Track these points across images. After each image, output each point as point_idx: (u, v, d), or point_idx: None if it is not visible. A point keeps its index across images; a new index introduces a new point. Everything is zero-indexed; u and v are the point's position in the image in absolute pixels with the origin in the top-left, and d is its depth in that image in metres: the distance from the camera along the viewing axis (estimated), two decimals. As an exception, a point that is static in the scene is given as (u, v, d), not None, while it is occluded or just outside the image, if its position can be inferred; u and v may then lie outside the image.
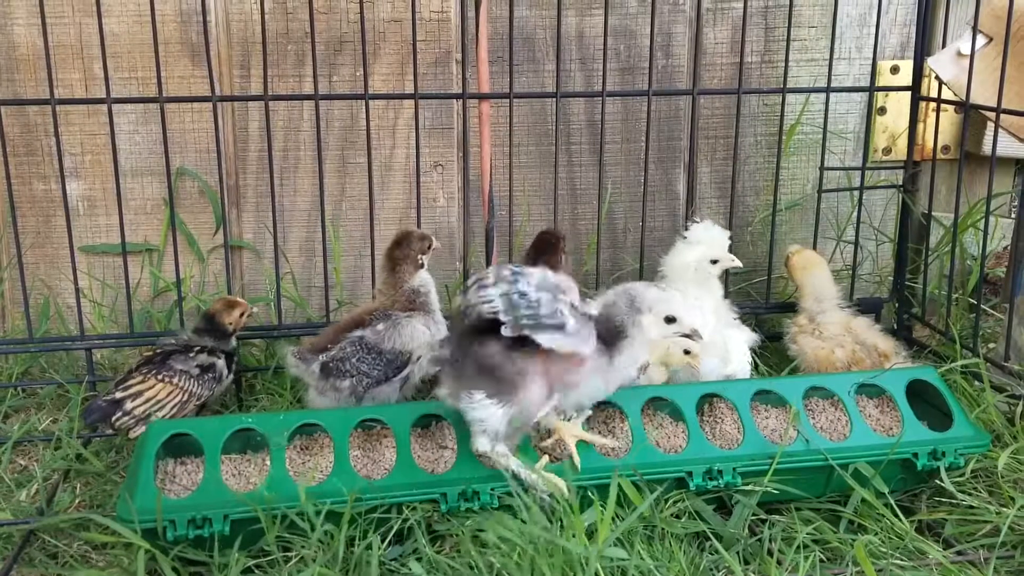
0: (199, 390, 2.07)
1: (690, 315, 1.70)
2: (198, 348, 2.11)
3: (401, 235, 2.18)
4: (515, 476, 1.68)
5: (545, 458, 1.76)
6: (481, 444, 1.69)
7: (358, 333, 2.07)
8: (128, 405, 1.98)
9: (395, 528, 1.68)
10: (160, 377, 2.03)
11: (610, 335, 1.70)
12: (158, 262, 2.56)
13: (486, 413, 1.67)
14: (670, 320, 1.70)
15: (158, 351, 2.10)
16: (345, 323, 2.12)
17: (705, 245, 2.23)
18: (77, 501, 1.91)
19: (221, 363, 2.14)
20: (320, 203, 2.31)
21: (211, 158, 2.50)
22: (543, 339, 1.61)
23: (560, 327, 1.61)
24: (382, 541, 1.65)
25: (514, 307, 1.60)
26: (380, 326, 2.08)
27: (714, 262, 2.24)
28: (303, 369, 2.05)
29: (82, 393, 2.24)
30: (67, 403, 2.27)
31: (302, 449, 1.92)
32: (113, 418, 1.97)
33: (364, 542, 1.63)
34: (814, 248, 2.51)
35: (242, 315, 2.21)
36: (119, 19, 2.43)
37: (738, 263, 2.24)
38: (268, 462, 1.77)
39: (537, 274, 1.66)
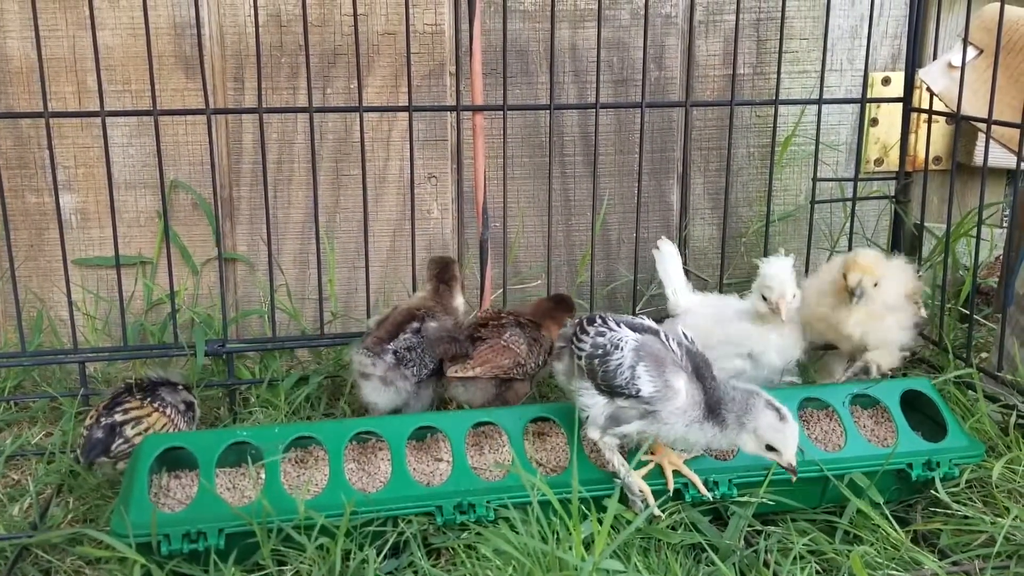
0: (183, 426, 2.01)
1: (791, 450, 1.69)
2: (181, 385, 2.06)
3: (449, 260, 2.26)
4: (614, 472, 1.75)
5: (648, 467, 1.79)
6: (591, 431, 1.75)
7: (415, 325, 2.12)
8: (128, 432, 1.89)
9: (391, 541, 1.68)
10: (156, 406, 1.96)
11: (715, 415, 1.71)
12: (152, 275, 2.55)
13: (591, 401, 1.74)
14: (771, 448, 1.70)
15: (140, 380, 2.02)
16: (397, 319, 2.14)
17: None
18: (70, 516, 1.89)
19: (195, 403, 2.10)
20: (314, 215, 2.31)
21: (205, 170, 2.50)
22: (620, 402, 1.72)
23: (634, 395, 1.69)
24: (378, 555, 1.64)
25: (592, 372, 1.73)
26: (434, 323, 2.12)
27: None
28: (373, 361, 2.08)
29: (75, 407, 2.23)
30: (60, 416, 2.26)
31: (297, 462, 1.92)
32: (113, 446, 1.87)
33: (360, 555, 1.62)
34: (807, 259, 2.52)
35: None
36: (113, 32, 2.43)
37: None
38: (263, 475, 1.77)
39: (636, 341, 1.73)
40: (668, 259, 2.30)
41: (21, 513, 1.91)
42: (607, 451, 1.76)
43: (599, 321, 1.78)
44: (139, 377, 2.05)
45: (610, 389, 1.71)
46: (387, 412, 2.11)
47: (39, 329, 2.50)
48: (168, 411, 1.98)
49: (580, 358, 1.76)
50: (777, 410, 1.68)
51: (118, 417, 1.91)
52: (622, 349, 1.72)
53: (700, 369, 1.73)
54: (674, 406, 1.69)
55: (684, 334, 1.79)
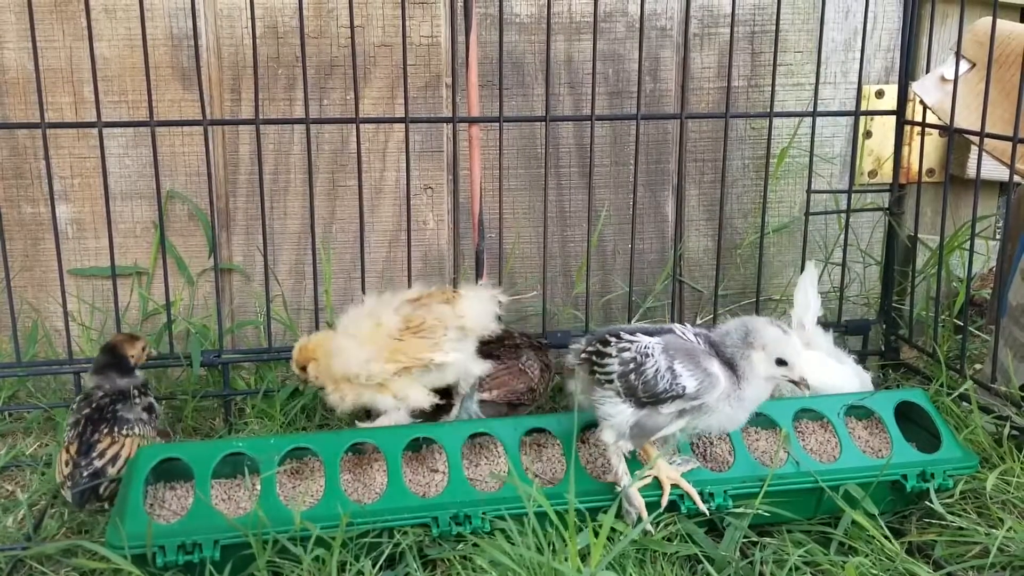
0: (151, 432, 1.99)
1: (802, 361, 1.69)
2: (135, 391, 2.02)
3: None
4: (614, 481, 1.74)
5: (645, 480, 1.77)
6: (607, 435, 1.74)
7: None
8: (111, 471, 1.86)
9: (386, 553, 1.67)
10: (125, 432, 1.92)
11: (731, 366, 1.71)
12: (147, 285, 2.55)
13: (615, 410, 1.72)
14: (781, 363, 1.69)
15: (90, 405, 1.95)
16: None
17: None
18: (65, 527, 1.89)
19: (152, 399, 2.06)
20: (311, 226, 2.31)
21: (201, 181, 2.50)
22: (663, 408, 1.69)
23: (679, 396, 1.67)
24: (373, 566, 1.64)
25: (631, 389, 1.70)
26: None
27: None
28: None
29: (70, 418, 2.22)
30: (55, 427, 2.26)
31: (293, 473, 1.91)
32: (101, 489, 1.84)
33: (355, 567, 1.63)
34: (801, 270, 2.53)
35: (144, 349, 2.13)
36: (110, 43, 2.43)
37: None
38: (258, 486, 1.77)
39: (660, 342, 1.71)
40: (809, 283, 2.27)
41: (15, 524, 1.90)
42: (614, 457, 1.74)
43: (615, 338, 1.75)
44: (86, 392, 1.99)
45: (654, 398, 1.68)
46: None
47: (34, 339, 2.50)
48: (136, 430, 1.95)
49: (610, 380, 1.71)
50: (779, 326, 1.69)
51: (97, 463, 1.85)
52: (652, 354, 1.69)
53: (716, 346, 1.72)
54: (718, 392, 1.67)
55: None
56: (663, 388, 1.67)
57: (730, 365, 1.70)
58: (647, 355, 1.69)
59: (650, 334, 1.74)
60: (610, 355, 1.72)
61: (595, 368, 1.74)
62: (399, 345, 1.93)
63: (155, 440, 2.00)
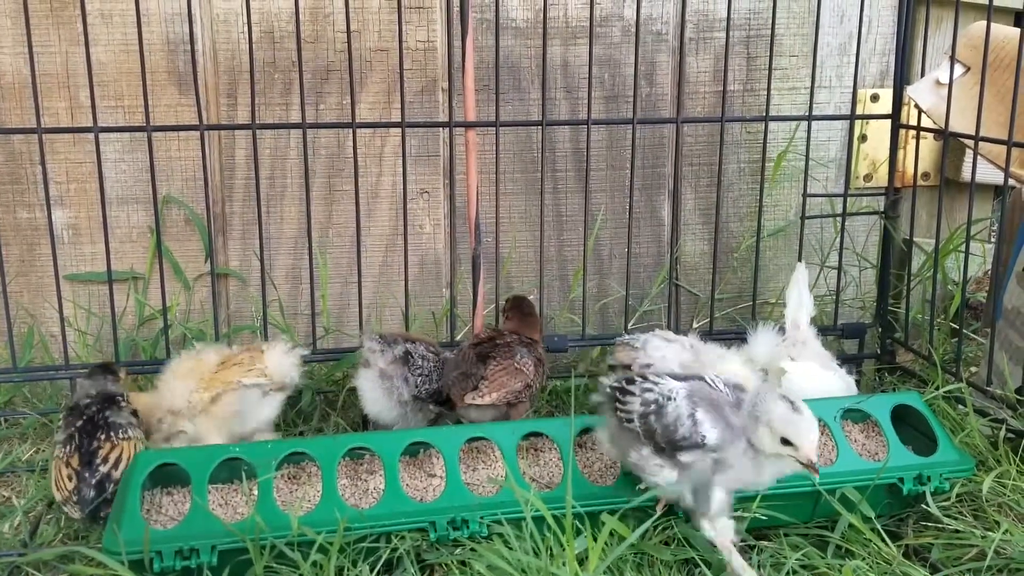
0: (142, 435, 1.98)
1: (810, 444, 1.59)
2: (117, 395, 2.01)
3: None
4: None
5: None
6: (702, 522, 1.67)
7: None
8: (115, 475, 1.84)
9: (384, 557, 1.67)
10: (120, 436, 1.91)
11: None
12: (143, 290, 2.55)
13: (660, 476, 1.66)
14: (786, 442, 1.60)
15: (81, 416, 1.94)
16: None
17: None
18: (61, 533, 1.88)
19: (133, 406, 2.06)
20: (307, 230, 2.31)
21: (197, 186, 2.50)
22: (682, 457, 1.63)
23: (698, 446, 1.61)
24: (371, 571, 1.64)
25: (650, 431, 1.64)
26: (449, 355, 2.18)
27: None
28: (382, 349, 2.10)
29: (60, 434, 2.21)
30: (51, 433, 2.25)
31: (290, 478, 1.91)
32: (108, 494, 1.82)
33: (353, 572, 1.62)
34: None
35: (125, 374, 2.16)
36: (106, 48, 2.43)
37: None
38: (256, 492, 1.76)
39: (685, 388, 1.65)
40: (801, 282, 2.28)
41: (11, 531, 1.89)
42: (726, 553, 1.65)
43: (640, 379, 1.70)
44: (71, 405, 1.98)
45: (672, 445, 1.63)
46: (373, 413, 2.11)
47: (30, 345, 2.50)
48: (129, 432, 1.94)
49: (631, 421, 1.66)
50: (791, 402, 1.60)
51: (102, 469, 1.84)
52: (675, 399, 1.64)
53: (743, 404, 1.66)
54: (740, 447, 1.61)
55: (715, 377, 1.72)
56: (682, 435, 1.62)
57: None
58: (670, 399, 1.64)
59: (677, 379, 1.70)
60: (633, 394, 1.68)
61: (618, 406, 1.70)
62: (215, 375, 2.06)
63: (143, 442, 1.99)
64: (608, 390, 1.74)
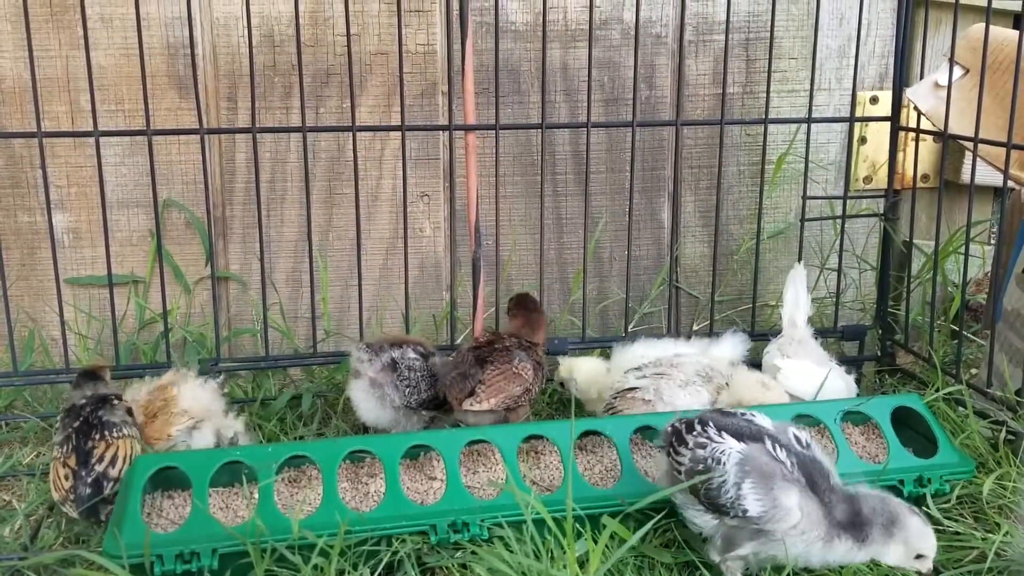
0: (136, 433, 1.98)
1: (934, 552, 1.60)
2: (111, 395, 2.01)
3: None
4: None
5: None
6: (712, 553, 1.65)
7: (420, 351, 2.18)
8: (112, 472, 1.84)
9: (384, 561, 1.67)
10: (115, 435, 1.91)
11: (855, 528, 1.60)
12: (144, 294, 2.55)
13: (700, 520, 1.64)
14: (919, 557, 1.60)
15: (77, 418, 1.94)
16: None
17: None
18: (62, 537, 1.88)
19: (128, 404, 2.05)
20: (307, 234, 2.31)
21: (197, 189, 2.50)
22: (727, 520, 1.60)
23: (740, 515, 1.57)
24: (372, 574, 1.64)
25: (694, 489, 1.60)
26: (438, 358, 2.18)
27: None
28: (370, 358, 2.12)
29: (58, 435, 2.21)
30: (51, 437, 2.25)
31: (290, 482, 1.91)
32: (106, 492, 1.82)
33: (354, 575, 1.62)
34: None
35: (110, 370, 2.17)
36: (106, 52, 2.44)
37: None
38: (256, 495, 1.77)
39: (739, 454, 1.58)
40: (799, 281, 2.30)
41: (12, 535, 1.89)
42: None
43: (698, 428, 1.63)
44: (68, 408, 1.98)
45: (715, 508, 1.59)
46: (370, 421, 2.11)
47: (31, 348, 2.50)
48: (124, 431, 1.93)
49: (679, 471, 1.62)
50: (918, 514, 1.60)
51: (98, 467, 1.84)
52: (725, 464, 1.57)
53: (814, 479, 1.59)
54: (788, 525, 1.56)
55: (797, 436, 1.65)
56: (723, 503, 1.57)
57: (848, 518, 1.59)
58: (719, 463, 1.58)
59: (738, 436, 1.61)
60: (687, 446, 1.62)
61: (671, 453, 1.66)
62: (146, 431, 2.04)
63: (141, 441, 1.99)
64: (669, 429, 1.68)
